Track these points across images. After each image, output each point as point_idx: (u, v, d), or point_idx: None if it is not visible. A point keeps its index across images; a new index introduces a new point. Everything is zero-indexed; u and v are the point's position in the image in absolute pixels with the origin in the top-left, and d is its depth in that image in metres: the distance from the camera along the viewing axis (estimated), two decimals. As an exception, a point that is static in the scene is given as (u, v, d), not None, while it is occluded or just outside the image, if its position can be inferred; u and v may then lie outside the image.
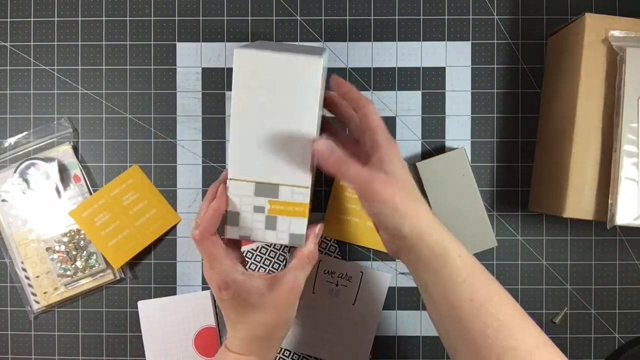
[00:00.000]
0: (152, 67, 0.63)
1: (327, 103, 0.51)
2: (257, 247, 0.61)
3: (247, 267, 0.62)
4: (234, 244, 0.47)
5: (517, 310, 0.40)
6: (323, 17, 0.63)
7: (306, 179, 0.42)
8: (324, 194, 0.62)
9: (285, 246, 0.61)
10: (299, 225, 0.43)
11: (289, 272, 0.45)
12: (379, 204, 0.40)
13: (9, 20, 0.63)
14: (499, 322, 0.38)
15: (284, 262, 0.62)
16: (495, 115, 0.63)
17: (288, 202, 0.42)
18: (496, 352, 0.37)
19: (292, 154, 0.41)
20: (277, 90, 0.40)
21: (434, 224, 0.41)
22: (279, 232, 0.43)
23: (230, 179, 0.42)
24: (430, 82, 0.62)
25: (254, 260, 0.61)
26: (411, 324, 0.62)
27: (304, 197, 0.42)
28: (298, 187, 0.42)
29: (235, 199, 0.43)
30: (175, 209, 0.62)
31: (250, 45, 0.43)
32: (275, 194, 0.42)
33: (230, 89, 0.62)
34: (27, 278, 0.60)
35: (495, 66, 0.63)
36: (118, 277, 0.61)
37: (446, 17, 0.63)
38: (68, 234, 0.60)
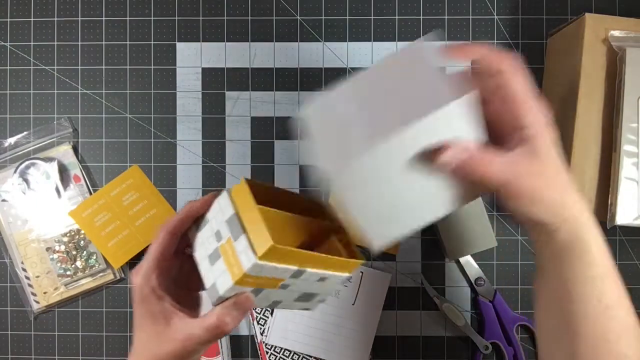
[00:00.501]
0: (152, 67, 0.63)
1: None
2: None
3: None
4: None
5: (636, 318, 0.37)
6: (323, 17, 0.63)
7: (263, 247, 0.33)
8: (325, 194, 0.62)
9: None
10: (224, 283, 0.35)
11: (188, 325, 0.37)
12: (523, 199, 0.35)
13: (9, 20, 0.63)
14: (622, 328, 0.36)
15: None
16: (495, 115, 0.62)
17: (235, 253, 0.34)
18: (615, 357, 0.35)
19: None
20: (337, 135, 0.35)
21: (577, 209, 0.37)
22: (210, 271, 0.36)
23: (230, 189, 0.37)
24: (430, 82, 0.62)
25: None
26: (411, 324, 0.62)
27: (247, 262, 0.34)
28: (252, 249, 0.33)
29: (215, 210, 0.37)
30: (175, 209, 0.62)
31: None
32: (236, 235, 0.35)
33: (230, 89, 0.63)
34: (27, 278, 0.60)
35: (495, 66, 0.62)
36: (118, 277, 0.61)
37: (446, 17, 0.63)
38: (68, 234, 0.60)
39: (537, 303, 0.40)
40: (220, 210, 0.36)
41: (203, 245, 0.37)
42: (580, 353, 0.35)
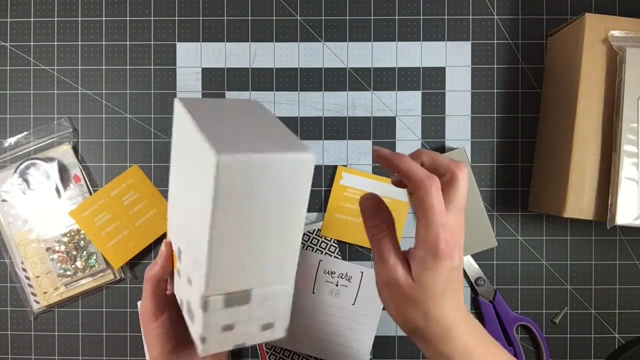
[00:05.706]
0: (152, 67, 0.63)
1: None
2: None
3: None
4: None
5: None
6: (323, 17, 0.63)
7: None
8: (324, 194, 0.62)
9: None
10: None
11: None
12: (389, 308, 0.38)
13: (9, 20, 0.63)
14: None
15: None
16: (495, 115, 0.63)
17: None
18: None
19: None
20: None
21: (466, 334, 0.37)
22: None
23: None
24: (430, 82, 0.62)
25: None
26: (411, 324, 0.62)
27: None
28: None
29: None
30: (175, 209, 0.62)
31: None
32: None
33: (230, 89, 0.63)
34: (27, 278, 0.60)
35: (495, 66, 0.63)
36: (118, 277, 0.61)
37: (446, 17, 0.63)
38: (68, 234, 0.60)
39: None
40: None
41: None
42: None
